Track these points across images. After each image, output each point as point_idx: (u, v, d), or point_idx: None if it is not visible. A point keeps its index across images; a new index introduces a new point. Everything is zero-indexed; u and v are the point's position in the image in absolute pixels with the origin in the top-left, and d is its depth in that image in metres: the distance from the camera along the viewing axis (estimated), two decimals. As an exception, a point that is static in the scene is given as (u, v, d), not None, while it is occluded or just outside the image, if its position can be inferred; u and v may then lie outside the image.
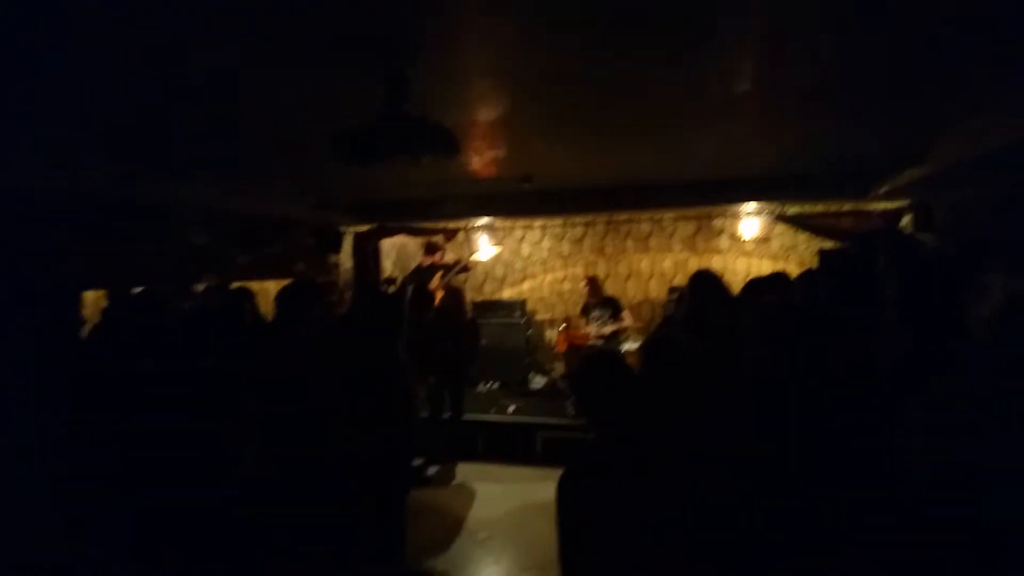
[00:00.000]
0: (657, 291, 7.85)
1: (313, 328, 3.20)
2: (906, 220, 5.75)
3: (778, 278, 3.71)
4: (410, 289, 5.78)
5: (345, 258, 6.83)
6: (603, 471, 1.68)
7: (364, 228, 6.81)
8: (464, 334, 5.71)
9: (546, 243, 8.39)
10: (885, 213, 6.02)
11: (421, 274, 6.89)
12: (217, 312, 3.34)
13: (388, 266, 7.67)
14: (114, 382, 2.61)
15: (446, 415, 5.77)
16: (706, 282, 3.22)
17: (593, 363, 1.88)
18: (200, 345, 3.07)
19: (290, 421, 2.78)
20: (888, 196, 5.41)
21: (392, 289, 6.33)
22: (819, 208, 6.46)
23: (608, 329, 6.42)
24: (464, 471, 5.61)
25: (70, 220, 3.68)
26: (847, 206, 6.22)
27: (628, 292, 7.92)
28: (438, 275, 6.78)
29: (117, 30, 1.77)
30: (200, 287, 4.62)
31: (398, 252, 8.01)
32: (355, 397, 2.86)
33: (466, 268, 7.02)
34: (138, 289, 3.34)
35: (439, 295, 6.16)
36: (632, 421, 1.73)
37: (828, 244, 6.29)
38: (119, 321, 3.26)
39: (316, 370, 3.04)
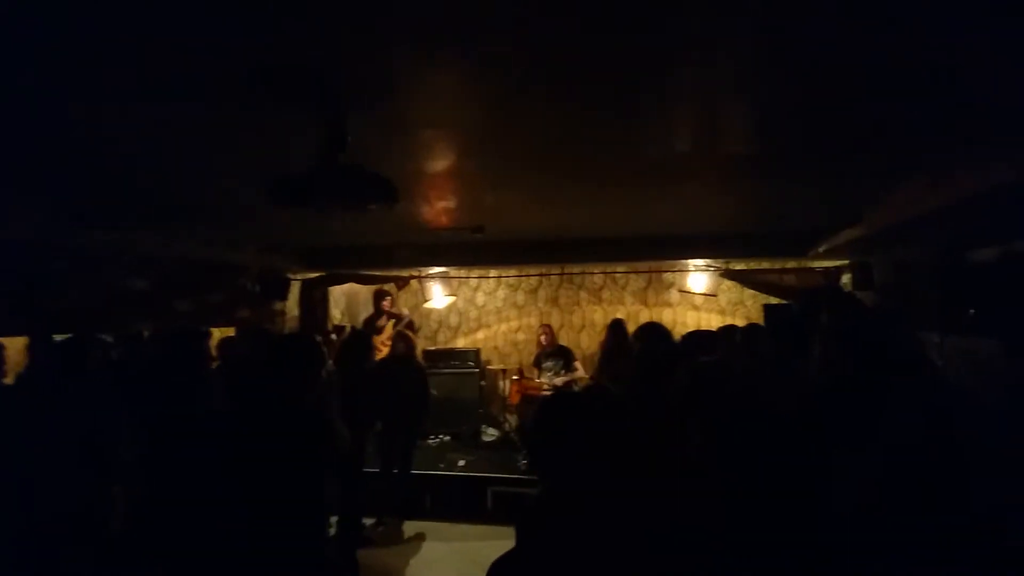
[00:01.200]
0: (610, 343, 7.88)
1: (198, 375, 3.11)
2: (846, 278, 5.97)
3: (723, 331, 3.76)
4: (346, 334, 5.65)
5: (292, 306, 6.65)
6: (542, 556, 1.56)
7: (312, 275, 6.67)
8: (411, 384, 5.56)
9: (501, 293, 8.39)
10: (827, 271, 6.24)
11: (371, 323, 6.78)
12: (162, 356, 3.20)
13: (337, 314, 7.50)
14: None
15: (395, 470, 5.56)
16: (651, 332, 3.26)
17: (554, 405, 1.75)
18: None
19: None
20: (828, 255, 5.61)
21: (339, 337, 6.17)
22: (764, 265, 6.66)
23: (560, 380, 6.38)
24: (410, 529, 5.38)
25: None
26: (790, 264, 6.43)
27: (582, 343, 7.94)
28: (390, 323, 6.67)
29: (49, 77, 1.71)
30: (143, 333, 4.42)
31: (348, 300, 7.87)
32: (254, 443, 2.71)
33: (411, 325, 6.94)
34: (63, 336, 3.16)
35: (386, 345, 6.04)
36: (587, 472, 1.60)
37: (773, 300, 6.46)
38: (42, 369, 3.08)
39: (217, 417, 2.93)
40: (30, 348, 3.55)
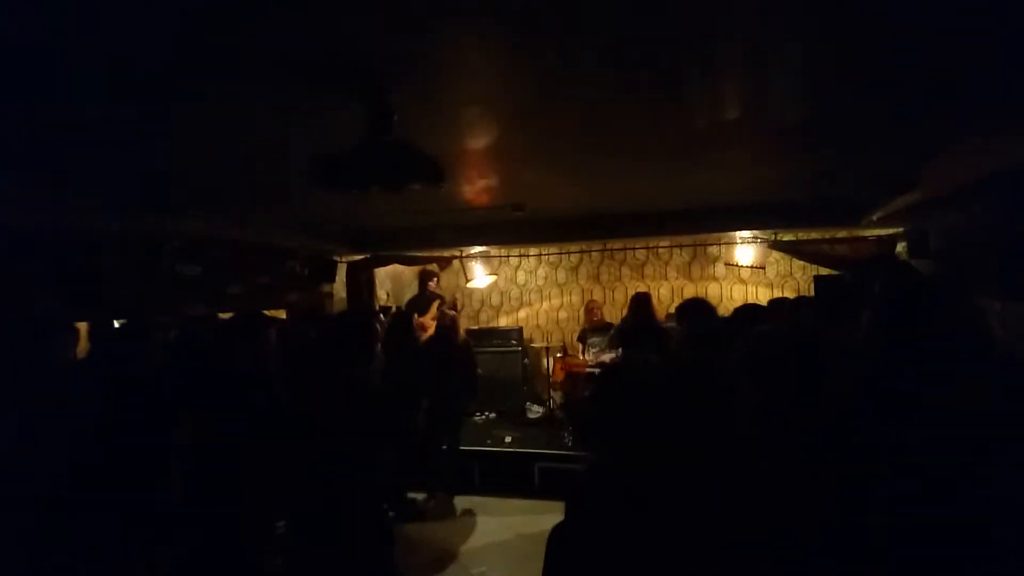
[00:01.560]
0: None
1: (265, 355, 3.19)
2: (901, 247, 5.74)
3: (772, 304, 3.68)
4: (390, 315, 5.76)
5: (339, 287, 6.80)
6: (597, 525, 1.57)
7: (358, 257, 6.79)
8: (456, 363, 5.63)
9: (542, 271, 8.38)
10: (879, 240, 6.01)
11: (417, 303, 6.89)
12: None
13: (383, 295, 7.64)
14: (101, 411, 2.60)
15: (443, 446, 5.68)
16: (697, 308, 3.22)
17: (611, 378, 1.74)
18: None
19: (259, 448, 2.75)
20: (882, 223, 5.40)
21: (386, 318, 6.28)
22: (813, 235, 6.46)
23: (607, 357, 6.36)
24: (460, 503, 5.50)
25: (52, 253, 3.67)
26: (841, 233, 6.22)
27: (625, 320, 7.87)
28: (435, 304, 6.76)
29: (95, 65, 1.77)
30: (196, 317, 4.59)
31: (393, 281, 7.99)
32: (319, 421, 2.81)
33: (453, 305, 7.03)
34: (121, 321, 3.30)
35: (431, 324, 6.12)
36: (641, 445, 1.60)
37: (824, 271, 6.28)
38: (104, 353, 3.23)
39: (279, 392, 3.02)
40: (90, 333, 3.75)
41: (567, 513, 1.67)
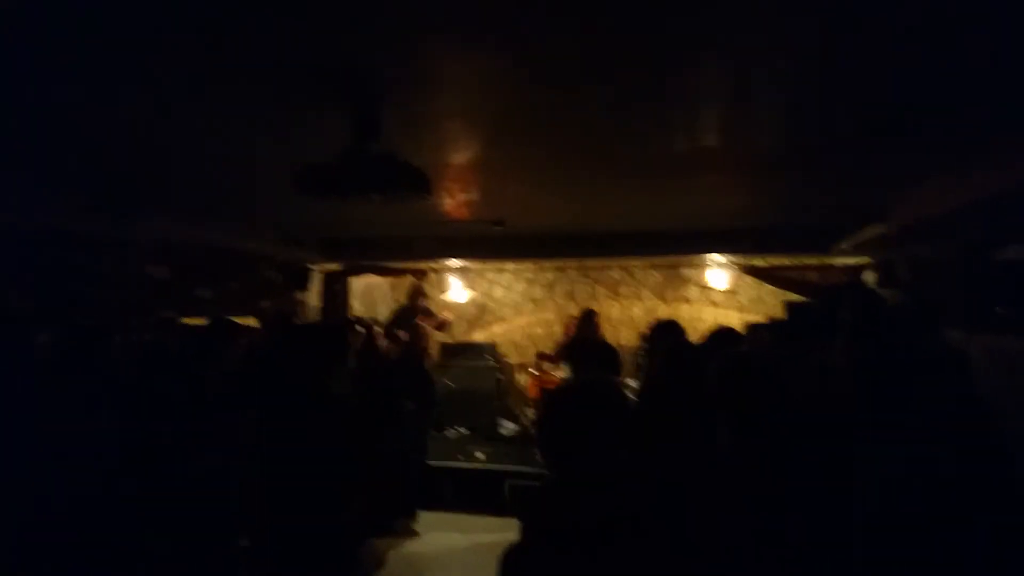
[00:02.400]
0: (627, 338, 7.85)
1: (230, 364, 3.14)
2: (869, 276, 5.89)
3: (744, 330, 3.74)
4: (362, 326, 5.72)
5: (313, 296, 6.71)
6: (548, 546, 1.53)
7: (333, 266, 6.72)
8: (417, 376, 5.61)
9: (518, 286, 8.39)
10: (849, 268, 6.17)
11: (403, 314, 6.85)
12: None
13: (356, 305, 7.55)
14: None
15: (409, 462, 5.61)
16: (666, 330, 3.26)
17: (560, 396, 1.75)
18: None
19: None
20: (851, 252, 5.55)
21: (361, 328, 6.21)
22: (784, 262, 6.60)
23: (558, 374, 6.38)
24: (429, 520, 5.42)
25: (18, 252, 3.56)
26: (811, 261, 6.36)
27: (599, 338, 7.91)
28: (419, 318, 6.73)
29: (73, 65, 1.74)
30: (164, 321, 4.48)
31: (364, 292, 7.92)
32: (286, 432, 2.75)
33: (442, 324, 7.02)
34: (83, 324, 3.20)
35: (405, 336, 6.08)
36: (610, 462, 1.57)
37: (794, 297, 6.40)
38: (65, 357, 3.13)
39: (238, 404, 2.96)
40: (51, 336, 3.62)
41: (521, 533, 1.65)
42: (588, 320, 5.36)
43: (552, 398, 1.78)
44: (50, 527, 2.29)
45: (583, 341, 5.14)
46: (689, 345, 3.25)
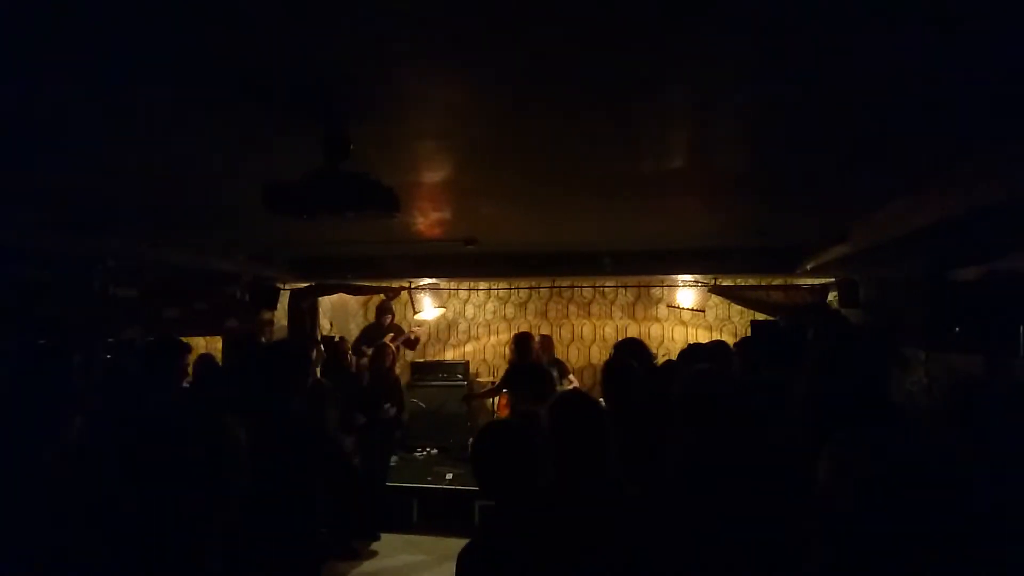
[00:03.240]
0: (599, 356, 7.91)
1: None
2: (832, 295, 6.04)
3: (718, 346, 3.81)
4: (326, 344, 5.70)
5: (280, 315, 6.61)
6: (501, 545, 1.68)
7: (301, 285, 6.64)
8: (380, 394, 5.57)
9: (490, 305, 8.40)
10: (813, 288, 6.32)
11: (370, 334, 6.79)
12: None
13: (327, 324, 7.47)
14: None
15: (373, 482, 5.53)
16: (630, 347, 3.31)
17: (489, 435, 1.91)
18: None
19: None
20: (815, 272, 5.69)
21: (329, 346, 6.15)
22: (751, 281, 6.74)
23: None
24: (396, 542, 5.34)
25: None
26: (777, 281, 6.51)
27: (571, 356, 7.96)
28: (388, 336, 6.68)
29: (38, 83, 1.71)
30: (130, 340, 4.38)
31: (335, 310, 7.83)
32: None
33: (409, 342, 7.01)
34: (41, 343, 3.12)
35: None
36: (528, 491, 1.76)
37: (760, 316, 6.53)
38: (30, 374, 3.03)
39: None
40: (14, 354, 3.51)
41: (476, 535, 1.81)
42: (522, 343, 5.39)
43: (479, 435, 1.95)
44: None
45: (517, 366, 5.21)
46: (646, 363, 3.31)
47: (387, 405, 5.52)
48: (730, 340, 7.06)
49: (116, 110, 1.95)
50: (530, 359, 5.29)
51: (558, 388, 6.36)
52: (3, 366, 3.20)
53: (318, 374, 5.28)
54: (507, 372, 5.64)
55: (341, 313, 7.92)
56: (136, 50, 1.55)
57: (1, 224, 3.28)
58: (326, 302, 7.34)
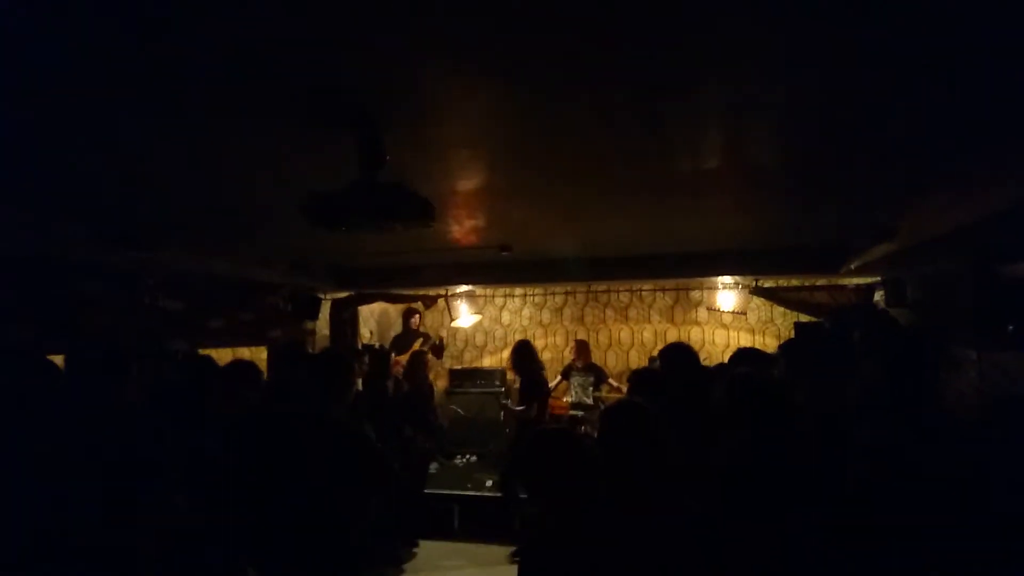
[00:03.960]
0: (637, 360, 7.83)
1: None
2: (878, 295, 5.85)
3: (753, 352, 3.74)
4: (370, 354, 5.77)
5: (322, 325, 6.74)
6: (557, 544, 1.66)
7: (342, 294, 6.76)
8: (419, 402, 5.59)
9: (526, 311, 8.40)
10: (858, 288, 6.13)
11: (399, 341, 6.86)
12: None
13: (367, 333, 7.58)
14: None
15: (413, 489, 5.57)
16: (678, 352, 3.26)
17: (541, 443, 1.89)
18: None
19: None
20: (860, 272, 5.52)
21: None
22: (794, 282, 6.57)
23: (589, 399, 6.34)
24: (438, 550, 5.36)
25: (32, 282, 3.63)
26: (821, 281, 6.33)
27: (608, 362, 7.89)
28: (417, 341, 6.74)
29: (81, 96, 1.79)
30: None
31: (378, 319, 7.95)
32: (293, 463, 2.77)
33: (436, 348, 7.05)
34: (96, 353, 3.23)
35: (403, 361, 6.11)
36: (581, 499, 1.74)
37: (804, 317, 6.36)
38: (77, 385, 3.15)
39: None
40: (67, 366, 3.66)
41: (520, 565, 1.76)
42: (521, 352, 5.34)
43: (533, 442, 1.93)
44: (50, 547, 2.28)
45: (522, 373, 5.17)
46: (700, 366, 3.25)
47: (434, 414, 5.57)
48: (773, 343, 6.91)
49: (164, 124, 2.02)
50: (529, 366, 5.25)
51: (595, 394, 6.34)
52: (58, 377, 3.34)
53: (359, 384, 5.36)
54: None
55: (383, 321, 8.04)
56: (184, 65, 1.61)
57: (51, 238, 3.43)
58: (366, 311, 7.46)
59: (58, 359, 3.25)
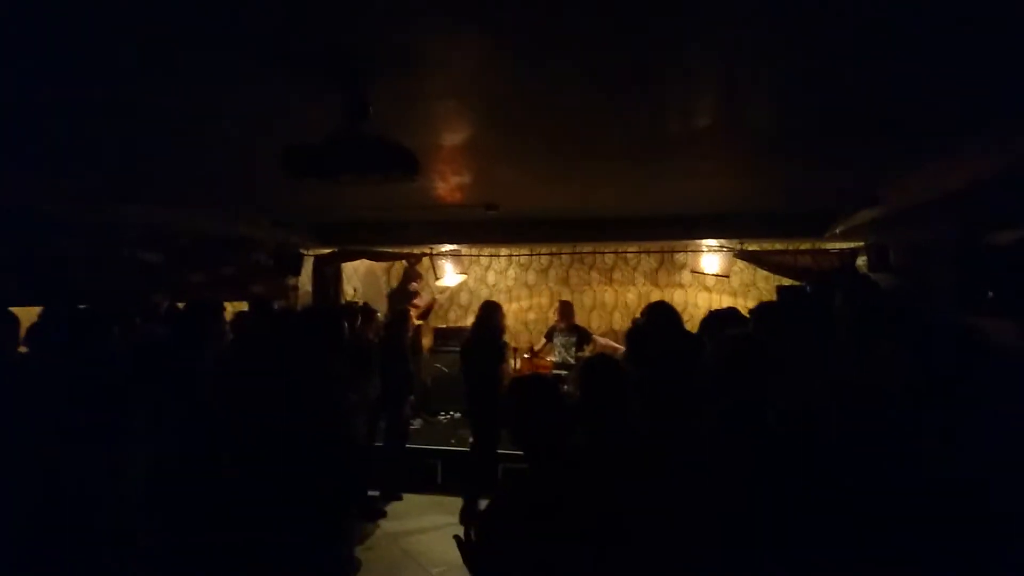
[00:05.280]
0: (621, 323, 7.88)
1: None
2: (861, 260, 5.91)
3: (734, 312, 3.76)
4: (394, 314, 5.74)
5: (305, 281, 6.69)
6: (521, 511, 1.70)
7: (325, 251, 6.69)
8: (400, 360, 5.58)
9: (512, 272, 8.39)
10: (842, 252, 6.18)
11: (394, 297, 6.86)
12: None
13: (350, 291, 7.54)
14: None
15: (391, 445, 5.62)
16: (661, 312, 3.27)
17: (524, 388, 1.89)
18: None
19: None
20: (844, 236, 5.55)
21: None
22: (777, 246, 6.60)
23: (572, 358, 6.39)
24: (421, 503, 5.46)
25: (11, 237, 3.54)
26: (804, 245, 6.37)
27: (592, 323, 7.94)
28: (413, 301, 6.74)
29: (64, 56, 1.71)
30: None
31: (362, 277, 7.90)
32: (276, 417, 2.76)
33: (425, 311, 7.02)
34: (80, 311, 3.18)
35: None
36: (561, 449, 1.77)
37: (786, 281, 6.42)
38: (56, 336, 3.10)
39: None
40: (44, 319, 3.61)
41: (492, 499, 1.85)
42: (486, 312, 5.13)
43: (514, 387, 1.94)
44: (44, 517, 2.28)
45: (474, 336, 5.08)
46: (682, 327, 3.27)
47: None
48: (754, 305, 6.97)
49: (143, 71, 1.94)
50: (491, 328, 5.10)
51: (579, 355, 6.38)
52: (44, 335, 3.30)
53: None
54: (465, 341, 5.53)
55: (366, 279, 7.98)
56: (155, 18, 1.54)
57: (35, 192, 3.35)
58: (350, 268, 7.41)
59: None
